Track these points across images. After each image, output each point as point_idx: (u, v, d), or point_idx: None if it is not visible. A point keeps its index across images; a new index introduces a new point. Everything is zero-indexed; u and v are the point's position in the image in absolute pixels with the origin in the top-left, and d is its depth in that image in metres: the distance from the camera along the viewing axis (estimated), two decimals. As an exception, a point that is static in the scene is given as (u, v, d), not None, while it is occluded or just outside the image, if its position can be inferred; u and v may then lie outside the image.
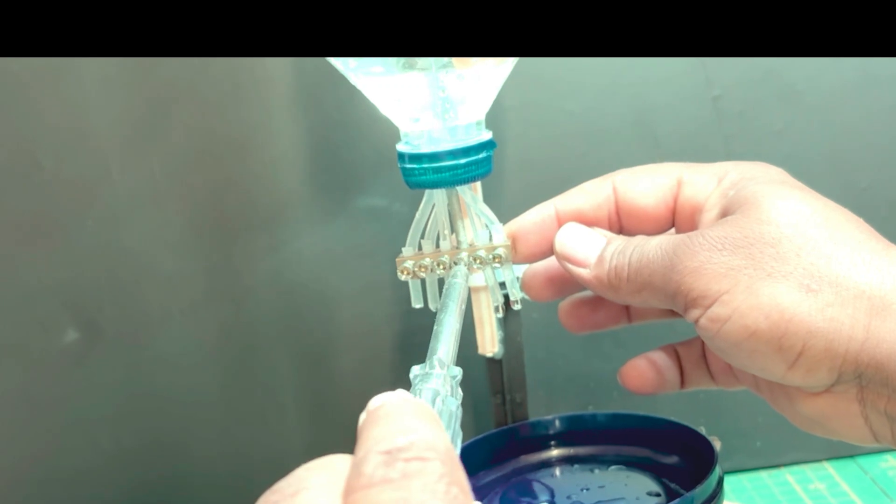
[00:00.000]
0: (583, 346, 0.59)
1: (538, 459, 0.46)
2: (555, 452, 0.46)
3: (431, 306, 0.41)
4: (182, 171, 0.55)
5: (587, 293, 0.43)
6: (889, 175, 0.58)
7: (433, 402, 0.29)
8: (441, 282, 0.40)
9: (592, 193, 0.40)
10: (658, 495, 0.42)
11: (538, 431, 0.47)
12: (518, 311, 0.48)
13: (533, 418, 0.48)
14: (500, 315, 0.45)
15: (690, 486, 0.39)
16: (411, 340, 0.58)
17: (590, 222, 0.40)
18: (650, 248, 0.36)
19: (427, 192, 0.40)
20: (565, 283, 0.42)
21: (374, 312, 0.58)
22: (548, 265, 0.42)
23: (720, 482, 0.40)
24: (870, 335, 0.32)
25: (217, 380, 0.58)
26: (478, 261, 0.40)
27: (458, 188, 0.39)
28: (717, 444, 0.41)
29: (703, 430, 0.42)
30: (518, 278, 0.42)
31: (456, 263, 0.40)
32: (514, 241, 0.40)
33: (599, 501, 0.42)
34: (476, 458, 0.45)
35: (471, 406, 0.57)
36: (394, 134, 0.40)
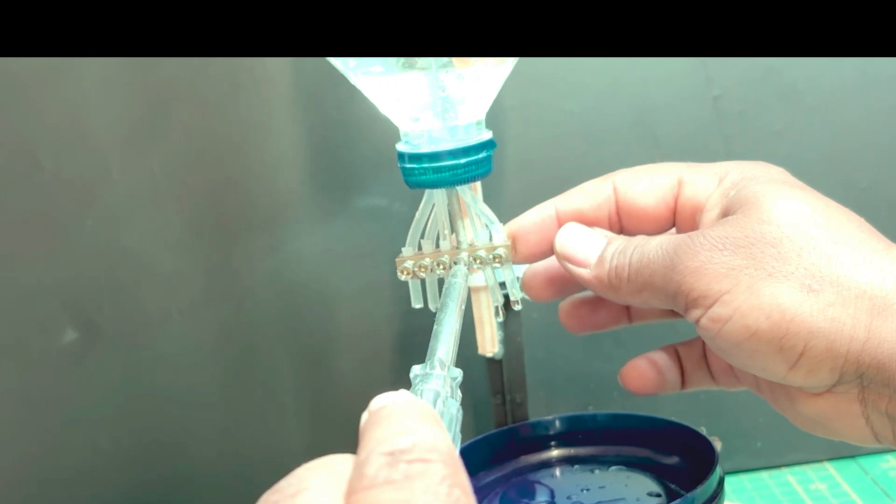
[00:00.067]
0: (583, 347, 0.59)
1: (538, 460, 0.46)
2: (555, 453, 0.46)
3: (431, 306, 0.41)
4: (182, 171, 0.55)
5: (587, 293, 0.43)
6: (889, 175, 0.58)
7: (434, 403, 0.29)
8: (441, 282, 0.40)
9: (593, 193, 0.40)
10: (658, 496, 0.42)
11: (538, 432, 0.47)
12: (518, 312, 0.48)
13: (533, 419, 0.48)
14: (501, 319, 0.45)
15: (691, 486, 0.39)
16: (411, 340, 0.58)
17: (590, 222, 0.40)
18: (651, 248, 0.36)
19: (427, 191, 0.40)
20: (565, 283, 0.42)
21: (374, 312, 0.58)
22: (548, 265, 0.42)
23: (721, 483, 0.39)
24: (871, 335, 0.32)
25: (217, 380, 0.58)
26: (478, 261, 0.40)
27: (458, 188, 0.39)
28: (717, 445, 0.41)
29: (703, 431, 0.42)
30: (518, 278, 0.42)
31: (456, 263, 0.40)
32: (514, 241, 0.40)
33: (600, 502, 0.42)
34: (476, 459, 0.45)
35: (471, 406, 0.57)
36: (394, 134, 0.40)
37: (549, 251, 0.40)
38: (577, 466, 0.45)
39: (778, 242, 0.33)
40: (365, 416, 0.25)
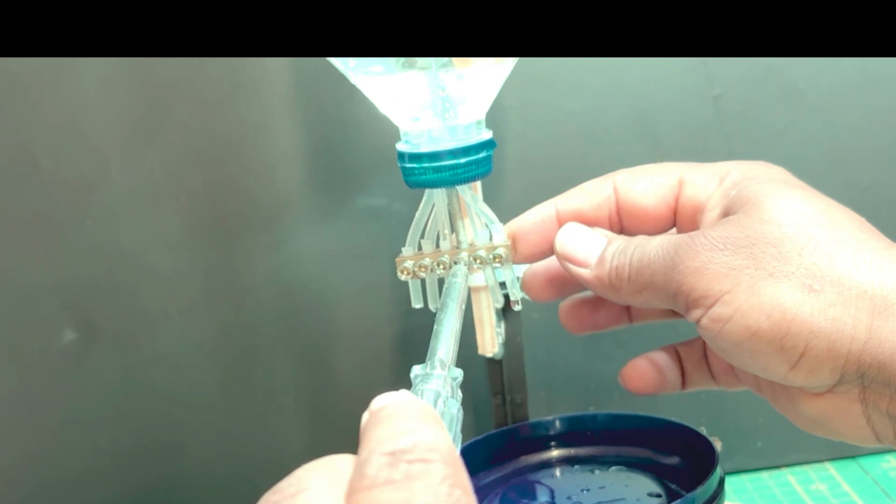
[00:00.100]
0: (583, 347, 0.59)
1: (538, 460, 0.46)
2: (555, 453, 0.46)
3: (431, 306, 0.41)
4: (181, 171, 0.55)
5: (588, 293, 0.43)
6: (889, 175, 0.58)
7: (435, 403, 0.29)
8: (441, 282, 0.40)
9: (593, 193, 0.40)
10: (659, 496, 0.42)
11: (538, 432, 0.47)
12: (518, 312, 0.48)
13: (533, 419, 0.48)
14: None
15: (691, 486, 0.39)
16: (411, 340, 0.58)
17: (590, 222, 0.40)
18: (651, 247, 0.36)
19: (427, 191, 0.40)
20: (566, 283, 0.42)
21: (374, 312, 0.58)
22: (548, 265, 0.42)
23: (721, 483, 0.39)
24: (872, 335, 0.32)
25: (216, 380, 0.58)
26: (478, 261, 0.40)
27: (458, 188, 0.39)
28: (718, 445, 0.41)
29: (704, 431, 0.42)
30: (518, 278, 0.41)
31: (456, 263, 0.40)
32: (514, 241, 0.40)
33: (600, 502, 0.42)
34: (476, 459, 0.45)
35: (471, 407, 0.57)
36: (393, 133, 0.40)
37: (550, 251, 0.40)
38: (577, 467, 0.45)
39: (779, 242, 0.33)
40: (366, 416, 0.25)
